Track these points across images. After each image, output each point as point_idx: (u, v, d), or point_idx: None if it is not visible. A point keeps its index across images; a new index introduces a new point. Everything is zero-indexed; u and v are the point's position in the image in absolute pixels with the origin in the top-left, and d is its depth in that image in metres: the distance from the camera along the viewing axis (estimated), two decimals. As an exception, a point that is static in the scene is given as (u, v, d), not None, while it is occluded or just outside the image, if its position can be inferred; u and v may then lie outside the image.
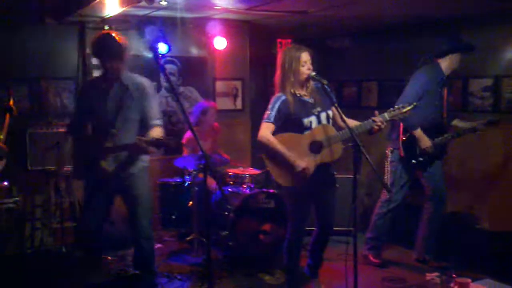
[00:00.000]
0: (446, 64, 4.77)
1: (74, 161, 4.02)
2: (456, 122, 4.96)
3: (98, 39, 3.79)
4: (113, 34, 3.75)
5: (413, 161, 4.78)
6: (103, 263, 3.54)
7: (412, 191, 5.14)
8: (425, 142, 4.70)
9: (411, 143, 4.75)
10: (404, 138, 4.79)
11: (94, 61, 5.79)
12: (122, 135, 3.79)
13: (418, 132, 4.69)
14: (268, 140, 3.79)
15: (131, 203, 4.00)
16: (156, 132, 3.75)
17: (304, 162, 3.76)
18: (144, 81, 3.93)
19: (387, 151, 5.00)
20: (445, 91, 4.83)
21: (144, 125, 3.85)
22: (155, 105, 3.92)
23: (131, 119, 3.84)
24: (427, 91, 4.70)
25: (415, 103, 3.95)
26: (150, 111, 3.86)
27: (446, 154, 4.94)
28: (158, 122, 3.88)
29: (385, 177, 4.98)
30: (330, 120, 3.97)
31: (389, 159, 4.97)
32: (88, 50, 3.69)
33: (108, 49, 3.70)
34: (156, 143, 3.44)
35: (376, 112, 3.87)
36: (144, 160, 4.00)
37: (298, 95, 3.90)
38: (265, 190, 5.12)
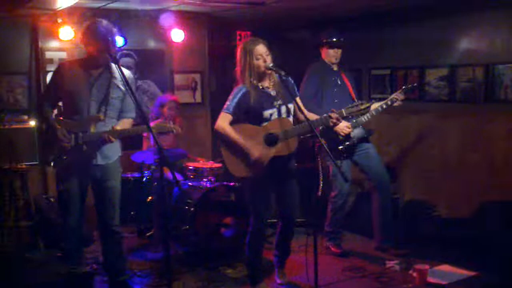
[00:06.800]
0: (324, 57, 4.95)
1: (48, 145, 3.82)
2: (374, 104, 4.78)
3: (96, 25, 3.72)
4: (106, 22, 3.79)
5: (340, 147, 4.75)
6: (55, 261, 3.44)
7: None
8: (340, 125, 4.46)
9: (330, 131, 4.60)
10: (320, 128, 4.62)
11: (48, 55, 5.69)
12: (106, 122, 3.83)
13: None
14: (223, 130, 3.80)
15: (103, 194, 3.97)
16: (124, 123, 3.90)
17: (258, 151, 3.76)
18: (129, 73, 3.95)
19: (315, 149, 4.68)
20: (345, 79, 4.92)
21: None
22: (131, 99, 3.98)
23: (116, 108, 3.89)
24: (319, 83, 4.80)
25: (373, 101, 3.91)
26: (130, 104, 3.95)
27: (372, 133, 4.91)
28: (131, 114, 3.99)
29: (321, 175, 4.65)
30: (291, 114, 3.95)
31: (319, 156, 4.87)
32: (79, 35, 3.80)
33: (108, 36, 3.68)
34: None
35: (333, 109, 3.84)
36: (119, 150, 4.04)
37: (261, 87, 3.88)
38: (225, 183, 5.08)
